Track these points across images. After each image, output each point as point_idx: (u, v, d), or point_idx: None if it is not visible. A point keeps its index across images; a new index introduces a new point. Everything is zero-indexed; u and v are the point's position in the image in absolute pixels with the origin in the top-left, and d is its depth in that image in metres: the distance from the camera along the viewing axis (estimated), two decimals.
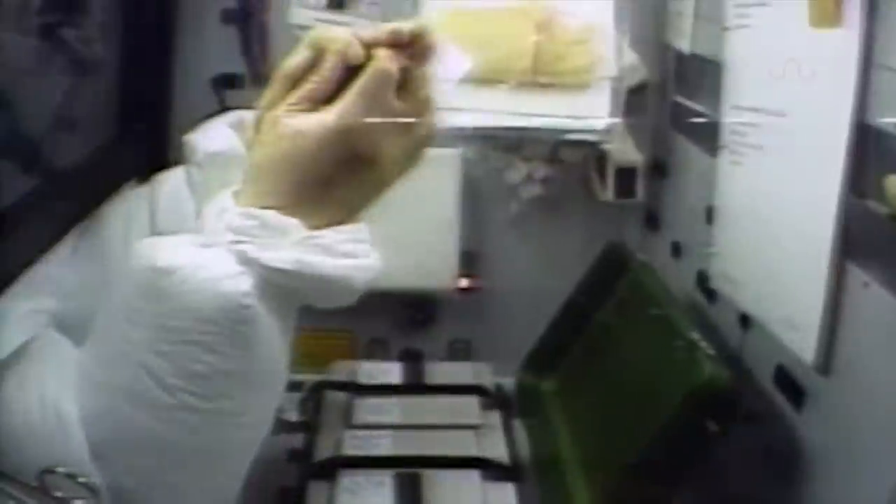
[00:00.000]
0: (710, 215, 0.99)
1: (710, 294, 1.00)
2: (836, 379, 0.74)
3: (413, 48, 0.71)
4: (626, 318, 1.03)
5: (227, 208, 0.62)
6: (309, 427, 1.03)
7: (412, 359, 1.16)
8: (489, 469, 0.95)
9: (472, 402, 1.06)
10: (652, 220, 1.24)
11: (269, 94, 0.65)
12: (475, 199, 1.24)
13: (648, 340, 0.94)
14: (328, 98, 0.64)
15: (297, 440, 1.02)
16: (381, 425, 1.00)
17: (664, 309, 0.92)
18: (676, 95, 1.17)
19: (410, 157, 0.67)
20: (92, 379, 0.61)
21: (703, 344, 0.82)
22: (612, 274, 1.06)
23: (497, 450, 0.98)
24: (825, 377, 0.75)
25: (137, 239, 0.69)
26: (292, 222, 0.61)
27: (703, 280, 1.02)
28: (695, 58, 1.09)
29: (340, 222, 0.63)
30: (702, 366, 0.79)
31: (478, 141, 1.16)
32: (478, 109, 1.15)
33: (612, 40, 1.14)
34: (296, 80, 0.65)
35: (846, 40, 0.71)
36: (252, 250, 0.60)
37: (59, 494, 0.57)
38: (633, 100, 1.17)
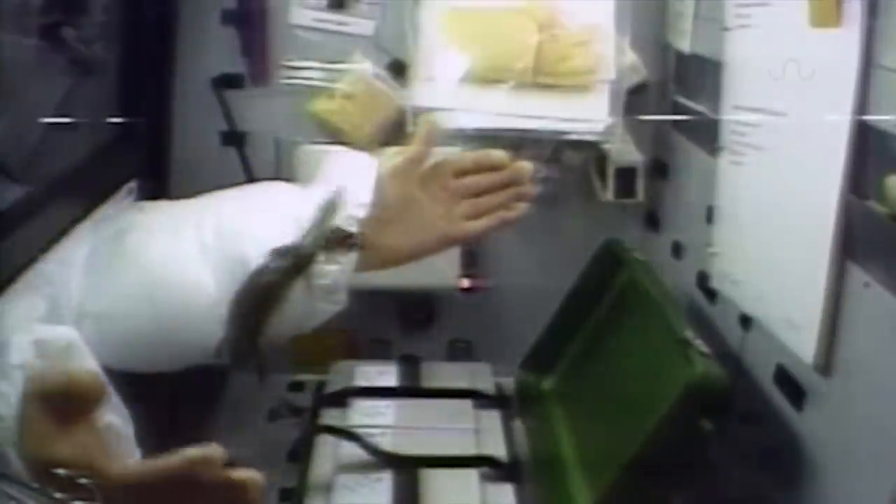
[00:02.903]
0: (710, 215, 0.99)
1: (711, 294, 1.00)
2: (837, 379, 0.74)
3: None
4: (622, 316, 1.03)
5: None
6: (307, 429, 1.03)
7: (409, 363, 1.16)
8: (488, 469, 0.95)
9: (468, 405, 1.06)
10: (652, 220, 1.24)
11: None
12: None
13: (644, 338, 0.94)
14: None
15: (296, 441, 1.02)
16: (378, 426, 1.00)
17: (659, 306, 0.92)
18: (676, 95, 1.17)
19: None
20: None
21: (697, 342, 0.82)
22: (608, 272, 1.06)
23: (496, 449, 0.98)
24: (825, 377, 0.75)
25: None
26: None
27: (703, 280, 1.02)
28: (695, 58, 1.09)
29: None
30: (694, 364, 0.79)
31: (478, 141, 1.16)
32: (478, 109, 1.15)
33: (613, 40, 1.14)
34: None
35: (846, 40, 0.71)
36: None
37: (59, 495, 0.58)
38: (633, 100, 1.17)
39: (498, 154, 0.97)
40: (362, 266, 0.90)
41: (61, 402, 0.61)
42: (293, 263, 0.85)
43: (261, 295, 0.85)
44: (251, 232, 0.87)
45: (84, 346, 0.68)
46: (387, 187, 0.92)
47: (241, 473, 0.62)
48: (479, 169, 0.96)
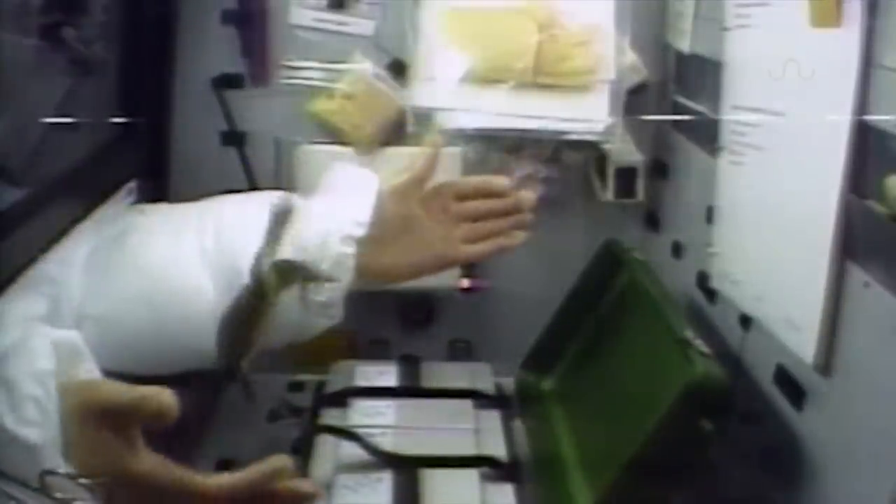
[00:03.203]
0: (710, 215, 0.99)
1: (711, 294, 1.00)
2: (837, 379, 0.74)
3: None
4: (622, 317, 1.03)
5: None
6: (307, 428, 1.03)
7: (409, 363, 1.16)
8: (488, 469, 0.95)
9: (468, 405, 1.06)
10: (652, 220, 1.24)
11: None
12: None
13: (644, 338, 0.94)
14: None
15: (296, 441, 1.02)
16: (378, 426, 1.00)
17: (659, 307, 0.92)
18: (676, 95, 1.17)
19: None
20: None
21: (697, 342, 0.82)
22: (608, 272, 1.06)
23: (496, 449, 0.98)
24: (825, 377, 0.75)
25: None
26: None
27: (703, 280, 1.02)
28: (695, 58, 1.09)
29: None
30: (694, 364, 0.79)
31: (478, 141, 1.16)
32: (478, 109, 1.15)
33: (613, 40, 1.14)
34: None
35: (846, 40, 0.71)
36: None
37: (59, 495, 0.57)
38: (633, 100, 1.17)
39: (500, 181, 1.00)
40: (359, 284, 0.91)
41: (131, 419, 0.61)
42: (247, 302, 0.86)
43: (235, 322, 0.86)
44: (247, 247, 0.87)
45: (87, 351, 0.68)
46: (387, 206, 0.93)
47: (306, 485, 0.66)
48: (480, 194, 0.98)
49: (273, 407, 1.12)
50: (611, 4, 1.15)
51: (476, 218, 0.98)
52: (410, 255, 0.95)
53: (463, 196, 0.98)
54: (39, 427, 0.59)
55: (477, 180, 1.02)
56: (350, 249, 0.89)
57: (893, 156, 0.67)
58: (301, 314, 0.90)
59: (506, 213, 0.99)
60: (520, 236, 0.99)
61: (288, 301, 0.89)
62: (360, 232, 0.90)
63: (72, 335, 0.68)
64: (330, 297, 0.90)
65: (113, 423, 0.60)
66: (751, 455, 0.87)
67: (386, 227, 0.93)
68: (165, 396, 0.60)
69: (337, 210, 0.92)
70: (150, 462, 0.62)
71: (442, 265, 0.99)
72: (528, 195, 1.00)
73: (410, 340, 1.28)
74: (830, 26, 0.73)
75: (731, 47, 0.95)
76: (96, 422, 0.60)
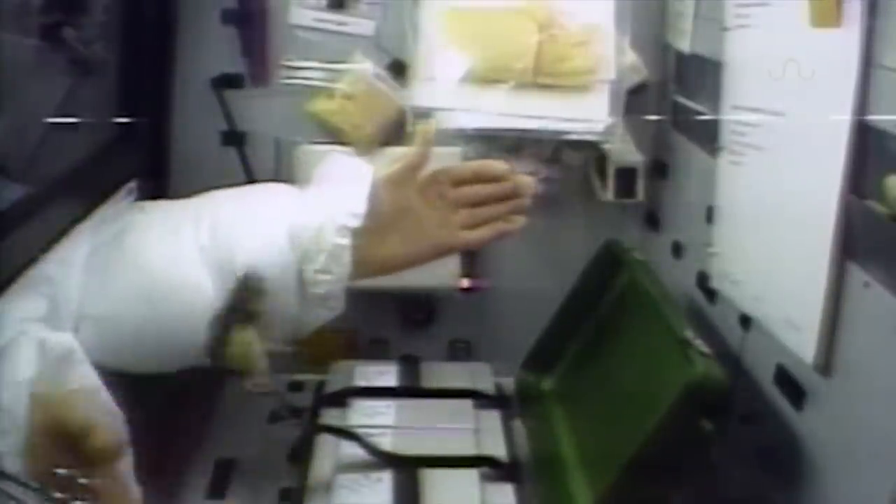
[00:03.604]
0: (710, 215, 0.99)
1: (711, 294, 1.00)
2: (837, 379, 0.74)
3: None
4: (622, 317, 1.03)
5: None
6: (307, 428, 1.03)
7: (409, 363, 1.16)
8: (488, 469, 0.95)
9: (468, 405, 1.06)
10: (652, 220, 1.24)
11: None
12: None
13: (644, 339, 0.94)
14: None
15: (296, 441, 1.02)
16: (377, 426, 1.00)
17: (660, 307, 0.92)
18: (676, 95, 1.17)
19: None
20: None
21: (697, 342, 0.82)
22: (608, 272, 1.06)
23: (496, 449, 0.99)
24: (825, 377, 0.75)
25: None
26: None
27: (703, 280, 1.02)
28: (695, 58, 1.09)
29: None
30: (694, 364, 0.79)
31: (478, 141, 1.16)
32: (478, 109, 1.15)
33: (613, 40, 1.14)
34: None
35: (846, 40, 0.71)
36: None
37: (58, 495, 0.58)
38: (633, 100, 1.17)
39: (499, 165, 0.98)
40: (357, 275, 0.90)
41: (77, 445, 0.61)
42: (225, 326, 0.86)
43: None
44: (241, 242, 0.87)
45: (84, 356, 0.67)
46: (382, 195, 0.92)
47: None
48: (479, 179, 0.96)
49: (273, 407, 1.12)
50: (611, 4, 1.15)
51: (475, 203, 0.96)
52: (408, 244, 0.94)
53: (461, 181, 0.97)
54: (6, 436, 0.59)
55: (475, 164, 1.00)
56: (346, 240, 0.88)
57: (893, 156, 0.67)
58: (301, 308, 0.90)
59: (504, 198, 0.97)
60: (519, 221, 0.96)
61: (286, 296, 0.88)
62: (355, 222, 0.89)
63: (66, 338, 0.68)
64: (329, 289, 0.89)
65: (65, 444, 0.61)
66: (751, 455, 0.87)
67: (382, 217, 0.92)
68: (106, 438, 0.61)
69: (331, 201, 0.91)
70: (109, 490, 0.62)
71: (441, 252, 0.97)
72: (528, 179, 0.97)
73: (410, 340, 1.28)
74: (830, 26, 0.73)
75: (731, 47, 0.95)
76: (51, 437, 0.61)
